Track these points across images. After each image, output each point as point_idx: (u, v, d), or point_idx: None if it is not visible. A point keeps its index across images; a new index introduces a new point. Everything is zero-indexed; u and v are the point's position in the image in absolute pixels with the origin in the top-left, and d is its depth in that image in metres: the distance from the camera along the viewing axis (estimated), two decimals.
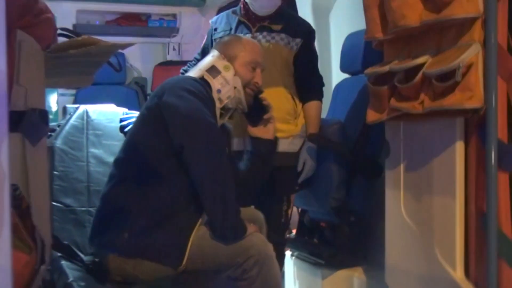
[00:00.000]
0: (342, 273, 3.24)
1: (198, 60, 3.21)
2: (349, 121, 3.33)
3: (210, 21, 3.46)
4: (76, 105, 3.16)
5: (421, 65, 2.25)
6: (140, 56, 5.94)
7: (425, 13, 2.21)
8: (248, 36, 3.12)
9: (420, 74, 2.23)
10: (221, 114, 2.59)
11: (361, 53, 3.34)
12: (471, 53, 2.05)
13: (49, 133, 2.91)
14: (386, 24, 2.41)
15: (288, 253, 3.67)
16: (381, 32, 2.47)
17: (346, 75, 3.70)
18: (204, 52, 3.22)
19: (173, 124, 2.32)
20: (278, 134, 2.93)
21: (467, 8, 2.05)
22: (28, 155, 1.83)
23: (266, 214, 2.73)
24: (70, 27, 5.24)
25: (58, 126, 3.02)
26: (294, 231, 3.73)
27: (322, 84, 3.35)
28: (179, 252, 2.32)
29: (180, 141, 2.29)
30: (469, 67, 2.05)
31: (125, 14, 5.70)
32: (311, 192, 3.32)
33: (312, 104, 3.26)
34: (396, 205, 2.56)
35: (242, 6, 3.28)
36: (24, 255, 1.66)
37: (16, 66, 1.79)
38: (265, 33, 3.19)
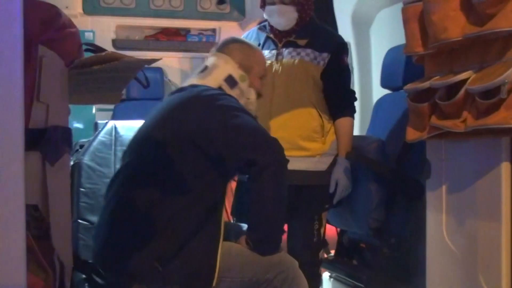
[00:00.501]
0: None
1: None
2: (389, 138, 3.23)
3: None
4: (105, 121, 3.11)
5: (463, 81, 2.12)
6: (179, 71, 5.91)
7: (468, 26, 2.09)
8: (274, 52, 3.10)
9: (462, 91, 2.10)
10: None
11: (402, 68, 3.25)
12: None
13: (77, 149, 2.87)
14: (427, 38, 2.29)
15: (326, 274, 3.57)
16: (421, 46, 2.35)
17: (387, 91, 3.60)
18: None
19: (241, 141, 2.27)
20: (302, 153, 2.95)
21: None
22: (48, 174, 1.76)
23: (296, 233, 2.66)
24: (110, 42, 5.31)
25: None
26: (332, 252, 3.62)
27: (354, 100, 3.25)
28: (208, 273, 2.22)
29: (252, 157, 2.24)
30: None
31: (164, 29, 5.70)
32: (349, 212, 3.22)
33: (342, 121, 3.16)
34: (438, 228, 2.43)
35: (268, 22, 3.23)
36: (40, 280, 1.60)
37: (37, 82, 1.73)
38: (290, 49, 3.11)
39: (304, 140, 2.98)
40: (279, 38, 3.15)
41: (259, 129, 2.33)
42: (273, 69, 3.08)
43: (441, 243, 2.42)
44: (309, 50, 3.07)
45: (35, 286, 1.58)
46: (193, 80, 2.51)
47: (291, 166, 2.81)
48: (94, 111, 5.01)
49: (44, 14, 1.77)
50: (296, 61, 3.08)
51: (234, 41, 2.68)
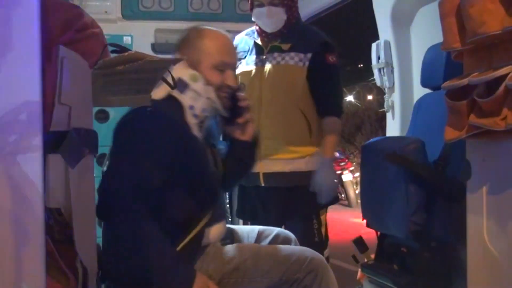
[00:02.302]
0: None
1: None
2: (430, 139, 3.13)
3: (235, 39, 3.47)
4: None
5: (503, 77, 2.03)
6: None
7: (508, 18, 2.00)
8: (260, 58, 3.17)
9: (502, 87, 2.02)
10: (201, 127, 2.29)
11: (442, 67, 3.16)
12: None
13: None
14: (464, 33, 2.21)
15: (366, 278, 3.49)
16: (459, 42, 2.27)
17: (427, 90, 3.51)
18: None
19: None
20: (292, 155, 3.05)
21: None
22: (71, 177, 1.73)
23: (295, 234, 2.63)
24: (149, 46, 5.30)
25: None
26: (373, 256, 3.55)
27: (340, 99, 3.35)
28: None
29: None
30: None
31: None
32: (388, 215, 3.14)
33: (327, 120, 3.21)
34: (479, 231, 2.35)
35: (256, 27, 3.31)
36: (60, 285, 1.56)
37: (58, 83, 1.69)
38: (275, 55, 3.18)
39: (292, 143, 3.09)
40: (265, 43, 3.22)
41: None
42: (260, 75, 3.17)
43: (482, 246, 2.33)
44: (293, 54, 3.14)
45: None
46: None
47: (282, 168, 2.84)
48: None
49: (65, 14, 1.75)
50: (281, 66, 3.15)
51: (185, 34, 2.46)
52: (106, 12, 5.03)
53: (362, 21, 4.41)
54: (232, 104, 2.35)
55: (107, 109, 4.51)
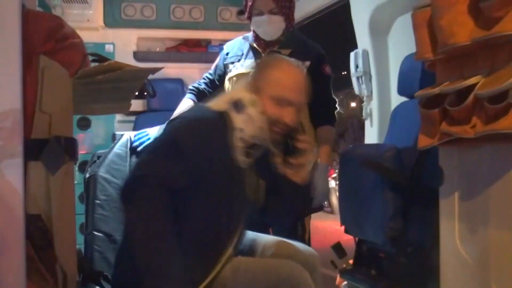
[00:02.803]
0: None
1: (209, 79, 3.43)
2: (406, 146, 3.19)
3: (225, 45, 3.55)
4: (122, 133, 3.12)
5: (473, 86, 2.10)
6: None
7: (476, 30, 2.07)
8: (258, 62, 3.14)
9: (471, 96, 2.08)
10: (248, 153, 2.23)
11: (418, 75, 3.21)
12: None
13: (95, 160, 2.88)
14: (436, 43, 2.28)
15: (344, 283, 3.55)
16: (431, 52, 2.34)
17: (404, 98, 3.56)
18: (216, 72, 3.42)
19: None
20: None
21: None
22: (52, 184, 1.78)
23: None
24: (131, 55, 5.34)
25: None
26: (351, 262, 3.60)
27: (334, 109, 3.35)
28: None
29: None
30: None
31: (185, 40, 5.72)
32: (366, 221, 3.18)
33: (322, 129, 3.29)
34: (451, 236, 2.41)
35: (252, 32, 3.35)
36: None
37: (39, 92, 1.74)
38: None
39: None
40: (263, 48, 3.28)
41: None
42: None
43: (454, 251, 2.39)
44: (292, 59, 3.10)
45: None
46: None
47: None
48: (115, 122, 5.05)
49: (46, 25, 1.79)
50: None
51: (263, 59, 2.52)
52: (88, 20, 5.07)
53: (346, 30, 4.46)
54: (289, 143, 2.29)
55: (90, 117, 4.53)
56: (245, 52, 3.33)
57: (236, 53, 3.37)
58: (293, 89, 2.25)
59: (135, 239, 1.98)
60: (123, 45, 5.25)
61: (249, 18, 3.32)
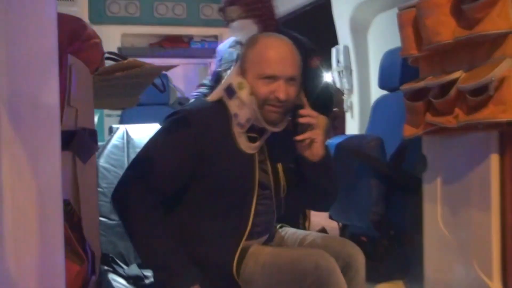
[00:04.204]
0: (382, 287, 3.26)
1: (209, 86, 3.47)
2: (387, 136, 3.36)
3: (217, 48, 3.62)
4: (118, 125, 3.28)
5: (455, 80, 2.30)
6: (183, 77, 6.08)
7: (458, 29, 2.27)
8: None
9: (454, 89, 2.28)
10: (251, 138, 2.14)
11: (398, 70, 3.39)
12: (504, 68, 2.10)
13: None
14: (421, 41, 2.47)
15: None
16: (416, 49, 2.53)
17: (384, 92, 3.76)
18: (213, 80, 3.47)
19: None
20: None
21: (498, 24, 2.11)
22: (78, 172, 1.93)
23: None
24: (116, 50, 5.45)
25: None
26: None
27: (328, 101, 3.34)
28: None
29: None
30: (501, 81, 2.10)
31: (168, 36, 5.85)
32: (351, 206, 3.36)
33: None
34: (434, 218, 2.60)
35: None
36: (77, 266, 1.75)
37: (67, 88, 1.89)
38: None
39: None
40: None
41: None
42: None
43: (437, 231, 2.58)
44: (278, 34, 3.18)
45: (72, 270, 1.74)
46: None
47: None
48: (103, 116, 5.17)
49: (72, 26, 1.94)
50: None
51: (247, 39, 2.36)
52: None
53: (328, 26, 4.60)
54: (293, 122, 2.15)
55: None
56: (235, 57, 3.33)
57: (227, 59, 3.42)
58: (276, 61, 2.10)
59: (132, 242, 2.06)
60: (108, 41, 5.35)
61: (227, 26, 3.37)
